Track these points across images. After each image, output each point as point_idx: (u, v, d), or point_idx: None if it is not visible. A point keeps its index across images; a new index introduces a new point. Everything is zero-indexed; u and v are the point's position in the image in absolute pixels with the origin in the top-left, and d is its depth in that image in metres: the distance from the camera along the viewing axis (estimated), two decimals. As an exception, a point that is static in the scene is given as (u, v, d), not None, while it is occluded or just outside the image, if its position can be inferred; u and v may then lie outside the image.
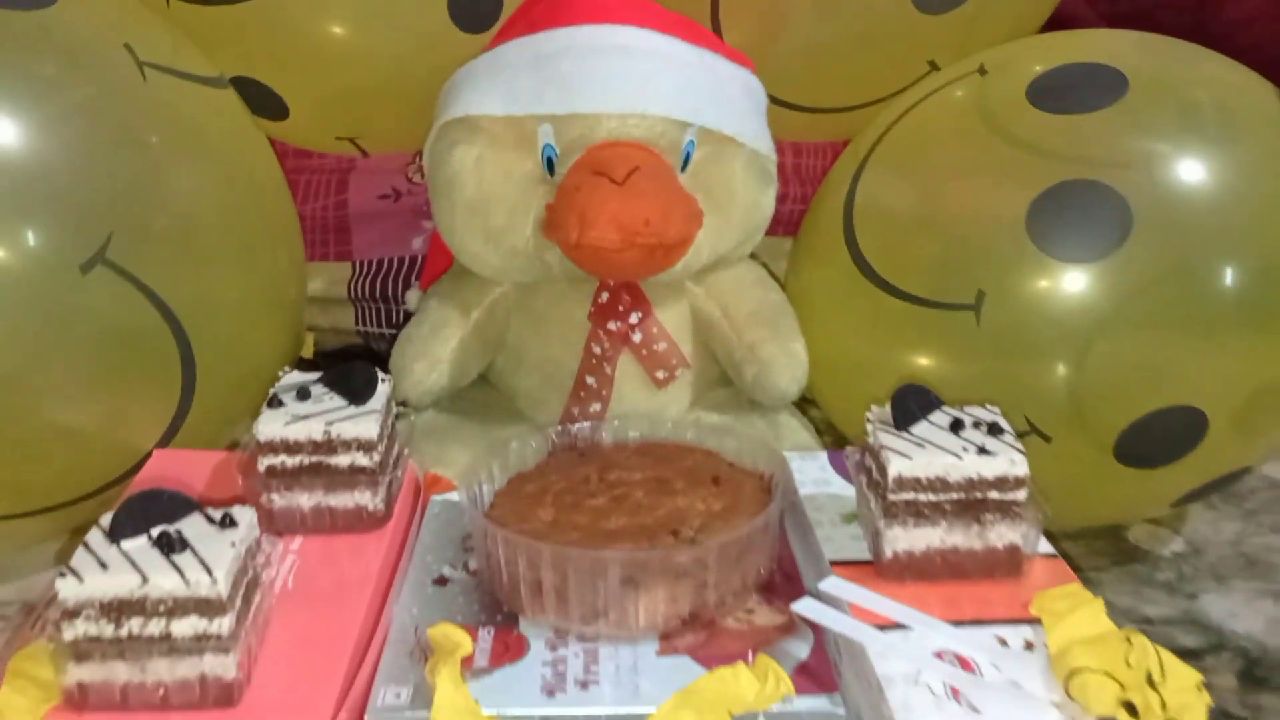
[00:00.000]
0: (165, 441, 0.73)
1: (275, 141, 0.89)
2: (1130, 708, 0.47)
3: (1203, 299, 0.69)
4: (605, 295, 0.78)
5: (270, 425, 0.63)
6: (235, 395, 0.77)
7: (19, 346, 0.64)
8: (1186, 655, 0.69)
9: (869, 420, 0.62)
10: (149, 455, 0.71)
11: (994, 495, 0.58)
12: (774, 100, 0.86)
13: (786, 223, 0.94)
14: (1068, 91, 0.72)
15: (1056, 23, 1.27)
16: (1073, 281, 0.68)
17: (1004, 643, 0.53)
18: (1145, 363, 0.68)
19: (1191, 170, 0.69)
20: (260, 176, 0.81)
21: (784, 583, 0.63)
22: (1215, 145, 0.71)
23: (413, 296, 0.93)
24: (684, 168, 0.76)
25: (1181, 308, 0.68)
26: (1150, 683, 0.48)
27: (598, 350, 0.79)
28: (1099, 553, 0.82)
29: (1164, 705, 0.47)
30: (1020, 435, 0.70)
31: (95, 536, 0.52)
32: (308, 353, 0.93)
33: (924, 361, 0.74)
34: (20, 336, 0.64)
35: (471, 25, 0.84)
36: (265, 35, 0.81)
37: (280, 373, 0.68)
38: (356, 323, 1.06)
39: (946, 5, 0.82)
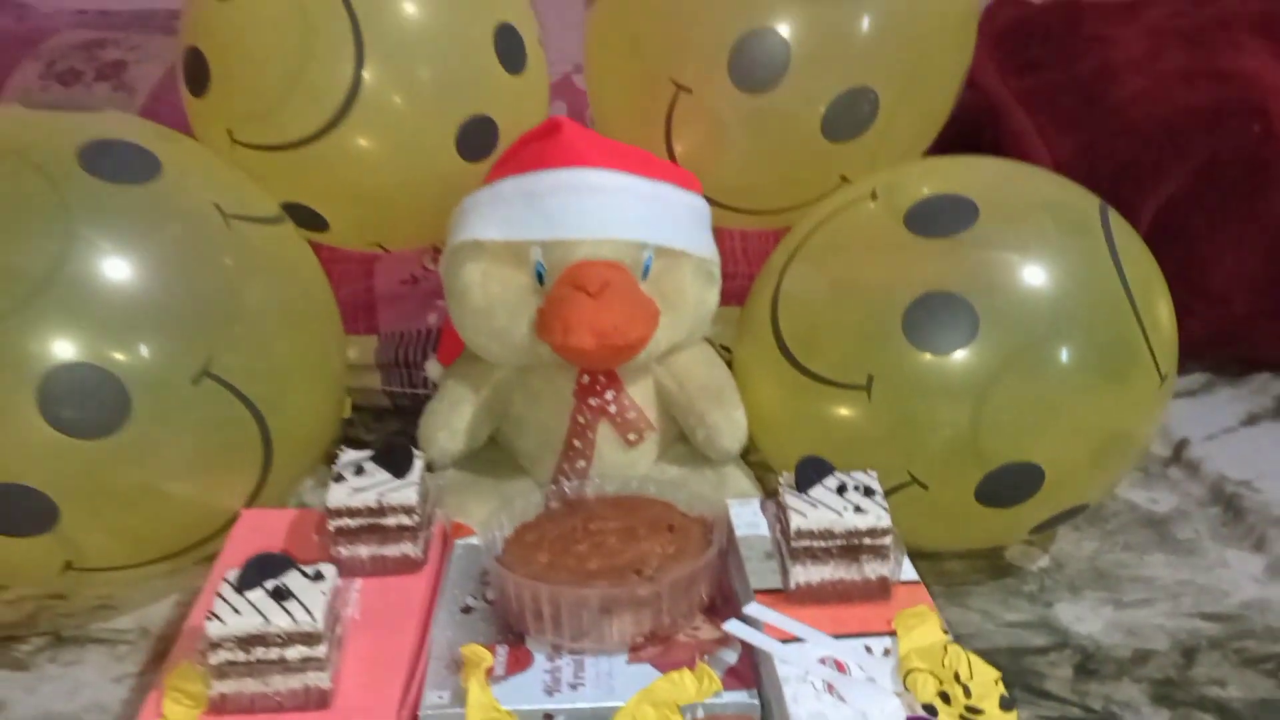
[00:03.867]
0: (250, 503, 0.94)
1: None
2: (944, 696, 0.69)
3: (1040, 378, 0.89)
4: (586, 378, 0.99)
5: (337, 496, 0.84)
6: (299, 456, 0.99)
7: (146, 437, 0.84)
8: (1034, 652, 0.92)
9: (780, 483, 0.83)
10: (237, 515, 0.93)
11: (867, 541, 0.79)
12: (718, 204, 1.07)
13: (738, 295, 1.13)
14: (934, 219, 0.92)
15: (976, 99, 1.48)
16: (939, 369, 0.88)
17: (870, 650, 0.75)
18: (994, 431, 0.89)
19: (1030, 274, 0.90)
20: (310, 282, 1.01)
21: (723, 604, 0.84)
22: (1048, 253, 0.91)
23: (431, 366, 1.13)
24: (644, 276, 0.96)
25: (1023, 386, 0.89)
26: (958, 679, 0.69)
27: (581, 420, 1.00)
28: (979, 569, 1.02)
29: (968, 693, 0.69)
30: (903, 485, 0.92)
31: (226, 589, 0.73)
32: (346, 413, 1.12)
33: (830, 425, 0.94)
34: (147, 429, 0.84)
35: (473, 156, 1.04)
36: (309, 172, 1.00)
37: (338, 451, 0.90)
38: (383, 384, 1.28)
39: (848, 136, 1.02)
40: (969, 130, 1.46)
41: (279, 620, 0.70)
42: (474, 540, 0.92)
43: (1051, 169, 1.35)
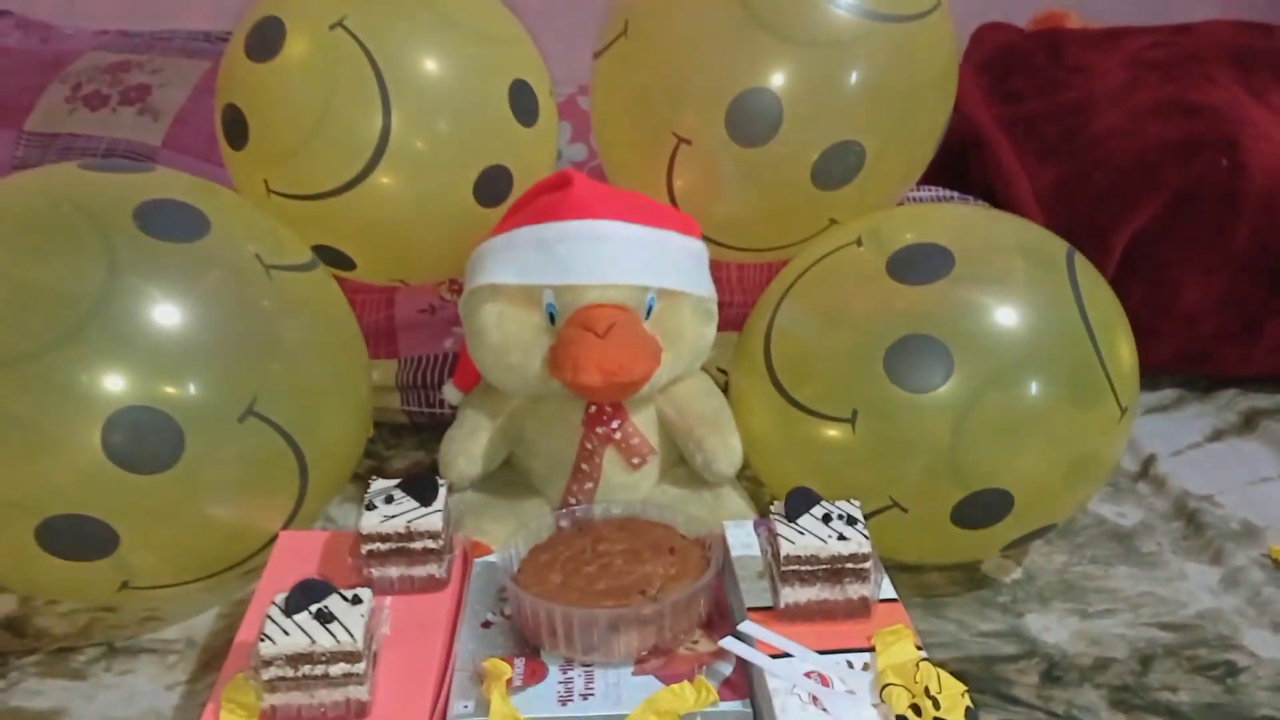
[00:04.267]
0: (287, 524, 1.02)
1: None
2: (915, 708, 0.77)
3: (1010, 412, 0.97)
4: (594, 408, 1.07)
5: (369, 523, 0.93)
6: (331, 479, 1.07)
7: (197, 471, 0.92)
8: (1004, 660, 1.00)
9: (771, 511, 0.92)
10: (275, 536, 1.02)
11: (850, 565, 0.88)
12: (716, 243, 1.16)
13: (735, 322, 1.21)
14: (913, 267, 1.00)
15: (963, 126, 1.56)
16: (917, 406, 0.97)
17: (851, 665, 0.84)
18: (969, 458, 0.97)
19: (1001, 316, 0.98)
20: (339, 319, 1.09)
21: (720, 620, 0.93)
22: (1017, 297, 0.99)
23: (447, 389, 1.22)
24: (648, 316, 1.05)
25: (994, 421, 0.97)
26: (928, 693, 0.78)
27: (589, 445, 1.09)
28: (956, 581, 1.10)
29: (937, 705, 0.78)
30: (885, 508, 1.01)
31: (275, 612, 0.81)
32: (369, 431, 1.21)
33: (818, 452, 1.03)
34: (198, 464, 0.92)
35: (489, 203, 1.12)
36: (340, 218, 1.08)
37: (370, 481, 0.98)
38: (402, 403, 1.36)
39: (836, 184, 1.11)
40: (955, 157, 1.54)
41: (323, 640, 0.79)
42: (492, 559, 1.00)
43: (1032, 198, 1.44)
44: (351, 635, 0.80)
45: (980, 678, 0.98)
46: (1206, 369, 1.50)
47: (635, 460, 1.09)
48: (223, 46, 1.18)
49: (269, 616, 0.81)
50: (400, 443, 1.38)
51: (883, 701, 0.79)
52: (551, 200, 1.05)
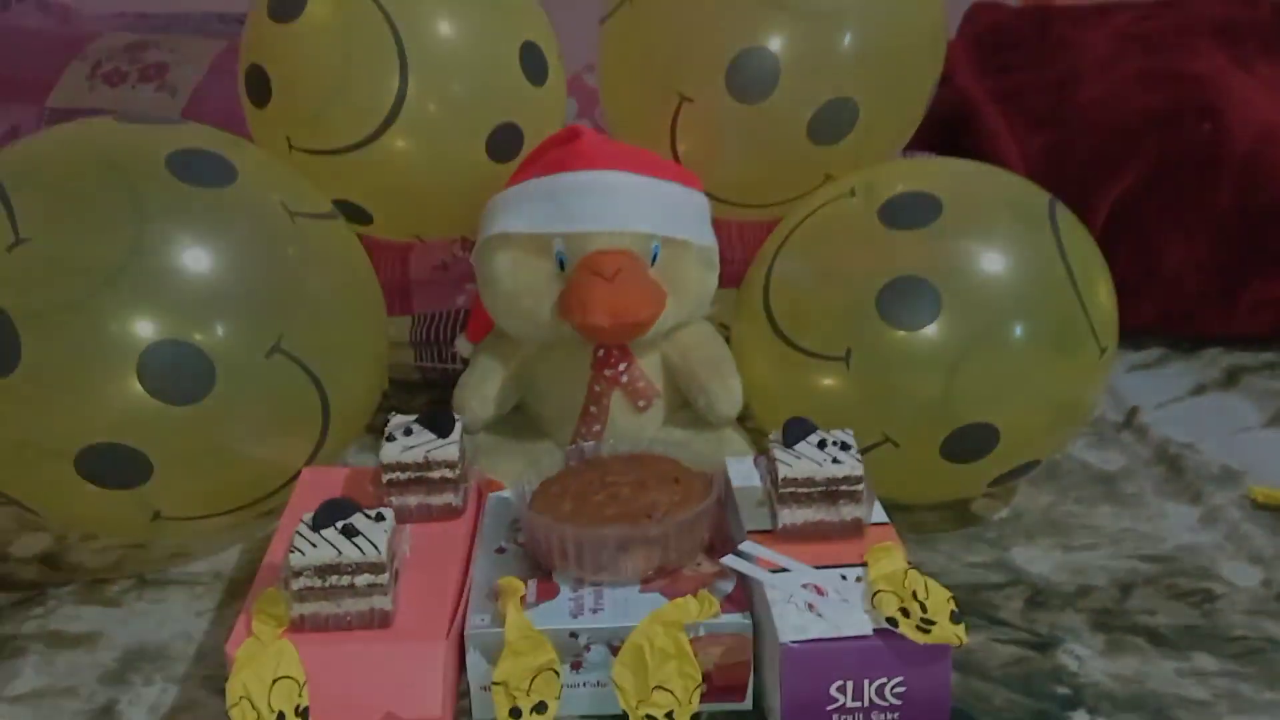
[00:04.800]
0: (309, 461, 1.08)
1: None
2: (904, 611, 0.83)
3: (995, 350, 1.02)
4: (601, 352, 1.13)
5: (390, 453, 0.98)
6: (350, 422, 1.13)
7: (226, 404, 0.98)
8: (991, 588, 1.05)
9: (770, 439, 0.97)
10: (298, 473, 1.07)
11: (844, 487, 0.93)
12: (717, 199, 1.21)
13: (735, 279, 1.27)
14: (903, 213, 1.06)
15: (955, 98, 1.62)
16: (908, 343, 1.02)
17: (844, 577, 0.89)
18: (957, 393, 1.02)
19: (986, 261, 1.04)
20: (359, 269, 1.15)
21: (722, 544, 0.98)
22: (1002, 242, 1.04)
23: (460, 343, 1.27)
24: (653, 263, 1.10)
25: (980, 357, 1.02)
26: (915, 597, 0.83)
27: (597, 389, 1.14)
28: (947, 519, 1.16)
29: (924, 609, 0.83)
30: (877, 444, 1.06)
31: (304, 528, 0.87)
32: (385, 385, 1.27)
33: (815, 392, 1.08)
34: (227, 398, 0.97)
35: (500, 158, 1.18)
36: (358, 173, 1.14)
37: (388, 417, 1.04)
38: (416, 359, 1.42)
39: (832, 140, 1.16)
40: (947, 127, 1.60)
41: (349, 553, 0.84)
42: (505, 494, 1.06)
43: (1020, 164, 1.50)
44: (376, 547, 0.85)
45: (968, 602, 1.03)
46: (1190, 329, 1.55)
47: (641, 403, 1.15)
48: (237, 28, 1.23)
49: (298, 532, 0.86)
50: (414, 400, 1.43)
51: (874, 607, 0.84)
52: (561, 154, 1.10)
